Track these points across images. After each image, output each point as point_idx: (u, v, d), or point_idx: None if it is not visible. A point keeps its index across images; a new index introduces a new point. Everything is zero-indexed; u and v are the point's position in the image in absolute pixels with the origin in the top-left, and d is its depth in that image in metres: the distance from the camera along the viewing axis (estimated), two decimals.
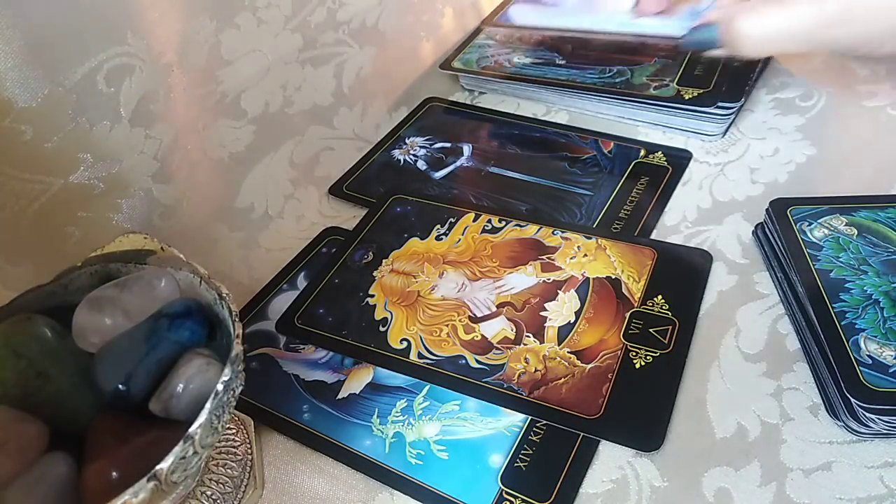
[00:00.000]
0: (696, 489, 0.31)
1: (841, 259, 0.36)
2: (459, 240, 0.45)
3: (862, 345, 0.32)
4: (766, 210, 0.40)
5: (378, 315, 0.41)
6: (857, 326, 0.33)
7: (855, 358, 0.32)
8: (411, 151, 0.54)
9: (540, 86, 0.55)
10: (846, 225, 0.38)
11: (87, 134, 0.37)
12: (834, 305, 0.34)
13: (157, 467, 0.24)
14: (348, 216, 0.50)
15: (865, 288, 0.35)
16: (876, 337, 0.32)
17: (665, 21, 0.52)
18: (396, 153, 0.54)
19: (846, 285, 0.35)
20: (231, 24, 0.44)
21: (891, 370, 0.31)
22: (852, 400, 0.31)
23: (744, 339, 0.37)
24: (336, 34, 0.52)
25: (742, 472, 0.32)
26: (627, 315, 0.38)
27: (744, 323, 0.37)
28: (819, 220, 0.38)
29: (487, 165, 0.51)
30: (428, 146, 0.54)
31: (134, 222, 0.41)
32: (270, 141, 0.50)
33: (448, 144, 0.54)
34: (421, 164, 0.53)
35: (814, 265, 0.36)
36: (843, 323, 0.33)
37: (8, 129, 0.34)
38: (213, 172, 0.46)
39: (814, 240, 0.37)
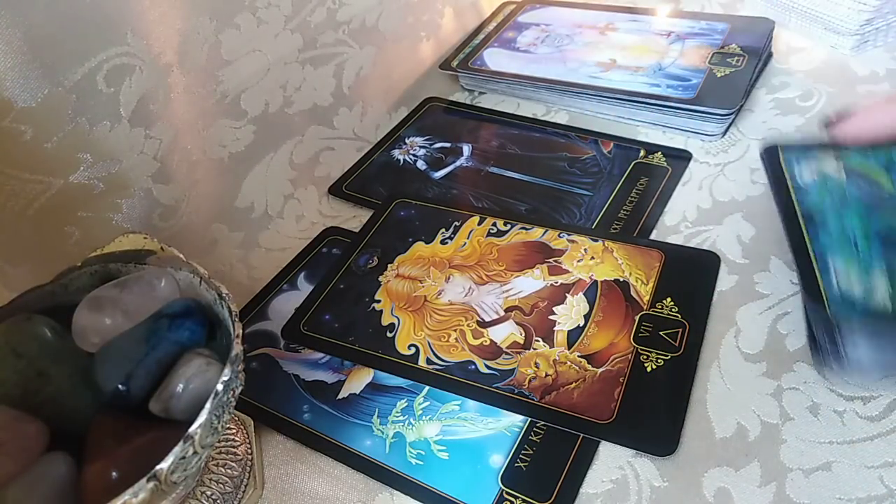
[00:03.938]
0: (695, 489, 0.31)
1: (825, 200, 0.35)
2: (465, 243, 0.45)
3: (833, 275, 0.32)
4: (760, 154, 0.39)
5: (385, 321, 0.41)
6: (830, 262, 0.33)
7: (825, 287, 0.31)
8: (411, 151, 0.54)
9: (540, 86, 0.56)
10: (836, 168, 0.37)
11: (87, 134, 0.37)
12: (811, 239, 0.34)
13: (157, 467, 0.24)
14: (348, 216, 0.50)
15: (845, 228, 0.34)
16: (849, 272, 0.32)
17: (634, 76, 0.53)
18: (396, 153, 0.54)
19: (827, 224, 0.34)
20: (231, 24, 0.44)
21: (857, 306, 0.31)
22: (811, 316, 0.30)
23: (744, 339, 0.37)
24: (336, 34, 0.52)
25: (742, 472, 0.32)
26: (637, 318, 0.38)
27: (744, 323, 0.37)
28: (809, 161, 0.37)
29: (487, 165, 0.51)
30: (428, 146, 0.54)
31: (134, 222, 0.41)
32: (270, 141, 0.50)
33: (448, 144, 0.54)
34: (421, 164, 0.53)
35: (798, 204, 0.35)
36: (819, 259, 0.33)
37: (8, 129, 0.34)
38: (213, 172, 0.46)
39: (801, 182, 0.37)
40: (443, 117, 0.58)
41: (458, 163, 0.52)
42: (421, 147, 0.54)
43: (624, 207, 0.46)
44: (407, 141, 0.55)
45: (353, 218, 0.49)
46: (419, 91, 0.60)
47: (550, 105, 0.56)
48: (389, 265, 0.44)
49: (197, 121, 0.44)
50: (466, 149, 0.53)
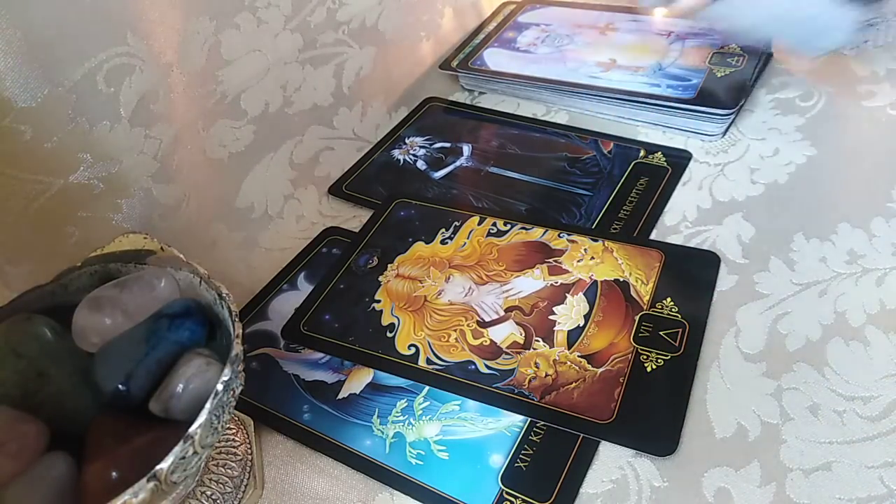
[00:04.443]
0: (695, 489, 0.31)
1: None
2: (465, 243, 0.45)
3: None
4: None
5: (385, 321, 0.41)
6: None
7: None
8: (411, 151, 0.54)
9: (540, 86, 0.56)
10: None
11: (87, 134, 0.37)
12: None
13: (157, 467, 0.24)
14: (348, 216, 0.50)
15: None
16: None
17: (634, 76, 0.52)
18: (396, 153, 0.54)
19: None
20: (231, 24, 0.44)
21: None
22: None
23: (744, 339, 0.37)
24: (336, 34, 0.52)
25: (742, 472, 0.32)
26: (637, 318, 0.38)
27: (744, 323, 0.37)
28: None
29: (487, 165, 0.51)
30: (428, 146, 0.54)
31: (134, 222, 0.41)
32: (270, 141, 0.50)
33: (448, 144, 0.54)
34: (420, 164, 0.53)
35: None
36: None
37: (8, 129, 0.34)
38: (213, 172, 0.46)
39: None
40: (443, 117, 0.58)
41: (458, 163, 0.52)
42: (421, 147, 0.54)
43: (624, 207, 0.46)
44: (407, 141, 0.55)
45: (353, 218, 0.49)
46: (419, 91, 0.60)
47: (550, 105, 0.56)
48: (389, 265, 0.44)
49: (197, 121, 0.44)
50: (466, 149, 0.53)
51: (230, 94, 0.46)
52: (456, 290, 0.42)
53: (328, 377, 0.39)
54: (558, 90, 0.55)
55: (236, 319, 0.29)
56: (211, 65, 0.44)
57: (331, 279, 0.44)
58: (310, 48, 0.50)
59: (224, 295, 0.30)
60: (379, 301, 0.42)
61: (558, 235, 0.44)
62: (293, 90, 0.50)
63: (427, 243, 0.45)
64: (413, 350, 0.39)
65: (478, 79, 0.59)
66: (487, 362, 0.37)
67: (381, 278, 0.43)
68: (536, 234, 0.44)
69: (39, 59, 0.34)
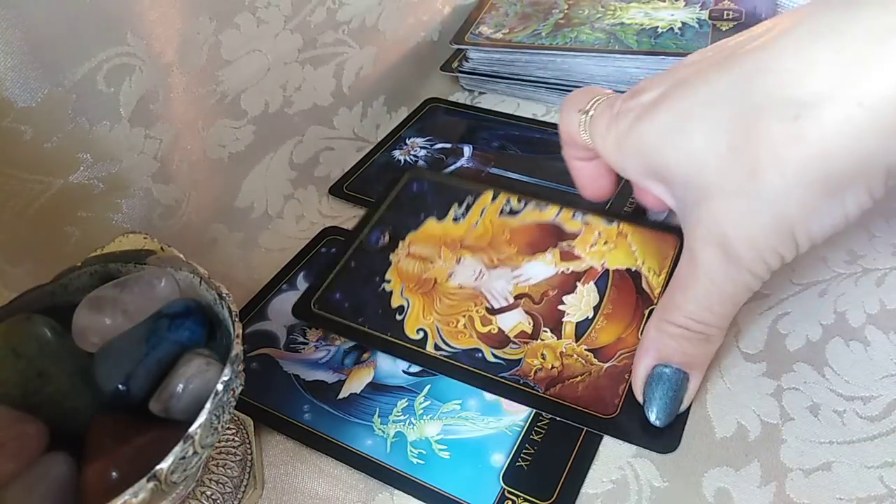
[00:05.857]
0: (695, 489, 0.31)
1: None
2: (477, 222, 0.44)
3: None
4: None
5: (395, 303, 0.41)
6: None
7: None
8: (412, 152, 0.54)
9: (540, 86, 0.55)
10: None
11: (87, 134, 0.37)
12: None
13: (157, 467, 0.24)
14: (348, 216, 0.50)
15: None
16: None
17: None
18: (397, 153, 0.54)
19: None
20: (231, 24, 0.44)
21: None
22: None
23: (744, 339, 0.37)
24: (336, 34, 0.52)
25: (742, 472, 0.32)
26: (647, 312, 0.38)
27: (744, 323, 0.37)
28: None
29: (488, 166, 0.51)
30: (428, 147, 0.54)
31: (134, 222, 0.41)
32: (270, 141, 0.50)
33: (448, 145, 0.54)
34: (421, 165, 0.53)
35: None
36: None
37: (8, 129, 0.34)
38: (213, 172, 0.46)
39: None
40: (443, 118, 0.58)
41: (458, 163, 0.52)
42: (422, 148, 0.54)
43: (625, 208, 0.46)
44: (408, 142, 0.55)
45: (353, 218, 0.49)
46: (419, 91, 0.60)
47: (550, 105, 0.56)
48: (401, 242, 0.44)
49: (197, 121, 0.44)
50: (467, 149, 0.53)
51: (230, 94, 0.46)
52: (466, 272, 0.42)
53: (328, 377, 0.39)
54: (558, 90, 0.55)
55: (236, 319, 0.29)
56: (211, 65, 0.44)
57: (341, 257, 0.44)
58: (310, 48, 0.50)
59: (224, 295, 0.30)
60: (389, 281, 0.42)
61: (572, 216, 0.44)
62: (293, 90, 0.50)
63: (439, 220, 0.45)
64: (421, 335, 0.39)
65: (478, 79, 0.59)
66: (494, 351, 0.37)
67: (391, 257, 0.43)
68: (551, 213, 0.44)
69: (39, 59, 0.34)
